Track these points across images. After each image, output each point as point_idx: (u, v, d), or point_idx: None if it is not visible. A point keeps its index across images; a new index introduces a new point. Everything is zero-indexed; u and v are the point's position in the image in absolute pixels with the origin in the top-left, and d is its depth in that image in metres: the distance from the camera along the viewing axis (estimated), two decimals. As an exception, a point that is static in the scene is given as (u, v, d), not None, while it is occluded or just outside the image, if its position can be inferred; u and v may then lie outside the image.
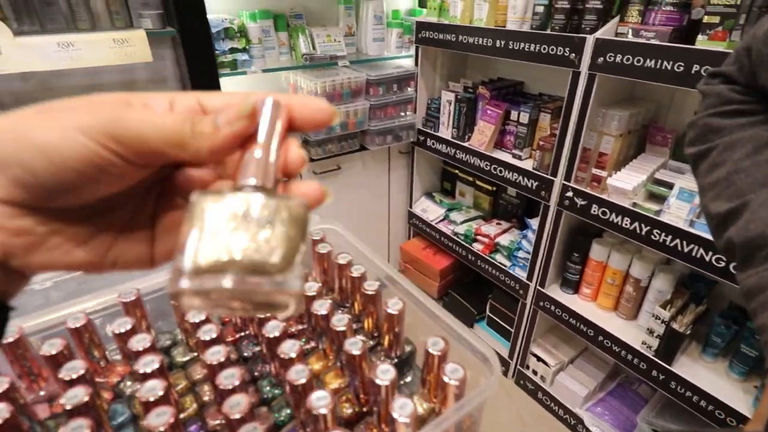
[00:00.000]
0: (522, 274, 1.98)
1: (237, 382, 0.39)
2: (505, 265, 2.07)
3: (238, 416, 0.37)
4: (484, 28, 1.78)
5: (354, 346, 0.43)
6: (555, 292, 1.88)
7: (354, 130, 2.20)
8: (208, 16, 1.79)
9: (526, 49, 1.64)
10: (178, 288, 0.21)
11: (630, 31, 1.42)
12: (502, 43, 1.71)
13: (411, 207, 2.67)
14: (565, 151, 1.61)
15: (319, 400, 0.38)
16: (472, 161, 2.06)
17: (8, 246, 0.25)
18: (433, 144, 2.30)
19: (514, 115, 1.93)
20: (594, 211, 1.57)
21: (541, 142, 1.73)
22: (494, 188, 2.33)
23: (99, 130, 0.24)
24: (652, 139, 1.64)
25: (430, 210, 2.59)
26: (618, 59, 1.39)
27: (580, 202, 1.60)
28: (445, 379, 0.41)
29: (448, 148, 2.20)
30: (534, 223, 1.88)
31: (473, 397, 0.40)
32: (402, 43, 2.42)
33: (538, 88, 2.12)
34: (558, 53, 1.54)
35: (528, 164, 1.86)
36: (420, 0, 2.61)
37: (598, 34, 1.43)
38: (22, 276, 0.26)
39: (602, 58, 1.43)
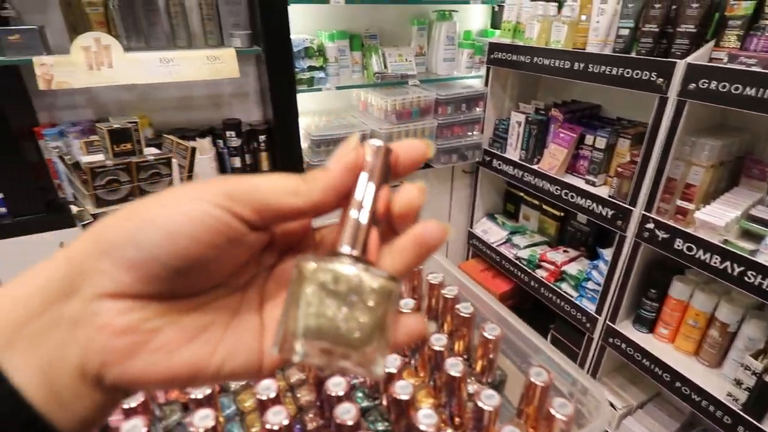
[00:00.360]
0: (590, 307, 1.88)
1: (342, 392, 0.40)
2: (571, 296, 1.98)
3: (350, 423, 0.37)
4: (562, 50, 1.75)
5: (454, 368, 0.42)
6: (627, 329, 1.76)
7: (421, 148, 2.21)
8: (291, 36, 1.89)
9: (607, 73, 1.59)
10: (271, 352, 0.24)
11: (726, 56, 1.34)
12: (581, 65, 1.67)
13: (472, 227, 2.64)
14: (647, 180, 1.53)
15: (426, 418, 0.38)
16: (541, 185, 2.01)
17: (109, 350, 0.22)
18: (500, 165, 2.26)
19: (589, 139, 1.86)
20: (678, 246, 1.47)
21: (620, 169, 1.65)
22: (562, 214, 2.25)
23: (221, 194, 0.23)
24: (747, 172, 1.51)
25: (491, 232, 2.54)
26: (712, 86, 1.31)
27: (661, 234, 1.51)
28: (553, 412, 0.40)
29: (515, 170, 2.16)
30: (607, 253, 1.79)
31: None
32: (472, 63, 2.42)
33: (617, 113, 2.04)
34: (643, 78, 1.48)
35: (603, 191, 1.78)
36: (493, 21, 2.62)
37: (691, 59, 1.36)
38: (110, 398, 0.23)
39: (694, 84, 1.35)
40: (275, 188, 0.24)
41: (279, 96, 1.95)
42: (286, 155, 2.10)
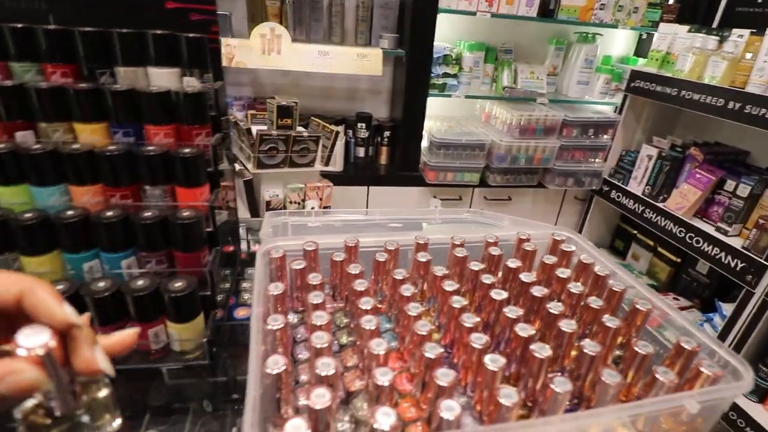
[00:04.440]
0: (695, 358, 1.77)
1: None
2: (674, 343, 1.87)
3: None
4: (718, 87, 1.67)
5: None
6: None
7: (537, 166, 2.24)
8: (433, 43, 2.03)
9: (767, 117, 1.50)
10: None
11: None
12: (737, 105, 1.59)
13: (574, 254, 2.58)
14: None
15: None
16: (663, 224, 1.93)
17: None
18: (618, 197, 2.20)
19: (729, 185, 1.75)
20: (815, 312, 1.35)
21: (762, 221, 1.54)
22: (680, 260, 2.13)
23: None
24: None
25: (594, 262, 2.47)
26: None
27: (797, 297, 1.40)
28: (703, 369, 0.46)
29: (636, 204, 2.09)
30: (726, 308, 1.68)
31: (723, 389, 0.45)
32: (607, 89, 2.38)
33: None
34: (808, 128, 1.38)
35: (735, 242, 1.67)
36: (638, 49, 2.54)
37: None
38: None
39: None
40: None
41: (411, 97, 2.11)
42: (406, 152, 2.25)
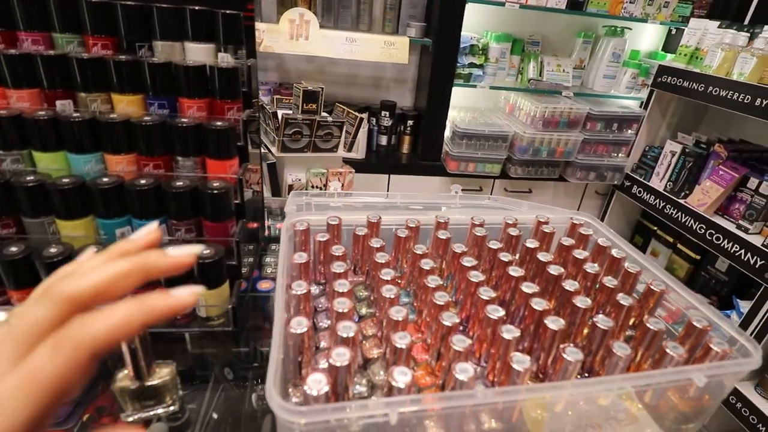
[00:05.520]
0: (711, 358, 1.75)
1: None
2: (691, 342, 1.86)
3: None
4: (746, 84, 1.64)
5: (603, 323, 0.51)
6: (747, 389, 1.62)
7: (559, 159, 2.22)
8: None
9: (795, 115, 1.46)
10: None
11: None
12: (765, 102, 1.55)
13: (591, 250, 2.56)
14: None
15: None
16: (684, 220, 1.90)
17: None
18: (640, 192, 2.18)
19: (753, 183, 1.72)
20: (839, 315, 1.33)
21: (785, 220, 1.52)
22: (699, 257, 2.10)
23: None
24: None
25: (612, 259, 2.45)
26: None
27: (821, 299, 1.37)
28: (712, 345, 0.47)
29: (657, 200, 2.06)
30: (744, 305, 1.66)
31: (730, 364, 0.46)
32: (634, 84, 2.34)
33: (794, 162, 1.84)
34: (842, 127, 1.34)
35: (756, 239, 1.64)
36: (666, 44, 2.48)
37: None
38: None
39: None
40: None
41: (436, 86, 2.11)
42: (428, 141, 2.26)
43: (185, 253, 0.31)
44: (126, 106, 0.66)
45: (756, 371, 1.63)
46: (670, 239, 2.25)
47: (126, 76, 0.65)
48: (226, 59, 0.70)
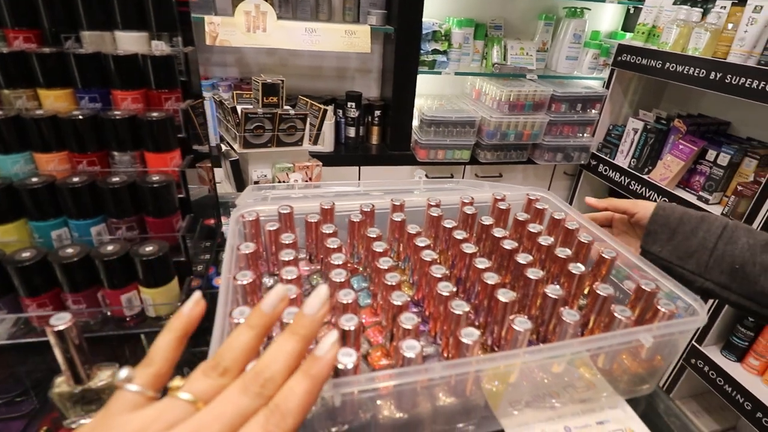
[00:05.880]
0: (681, 327, 1.80)
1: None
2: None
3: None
4: (701, 58, 1.67)
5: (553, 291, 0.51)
6: (714, 353, 1.68)
7: (527, 142, 2.24)
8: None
9: (746, 86, 1.50)
10: None
11: None
12: (718, 75, 1.59)
13: (563, 230, 2.60)
14: (769, 204, 1.44)
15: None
16: (648, 195, 1.94)
17: None
18: (606, 170, 2.21)
19: (710, 155, 1.76)
20: (796, 276, 1.37)
21: (740, 188, 1.56)
22: (666, 230, 2.15)
23: None
24: None
25: (584, 238, 2.49)
26: None
27: (779, 262, 1.42)
28: (659, 306, 0.47)
29: (622, 177, 2.10)
30: (710, 274, 1.70)
31: (676, 323, 0.46)
32: (596, 64, 2.37)
33: (748, 132, 1.89)
34: (789, 94, 1.38)
35: (716, 209, 1.69)
36: (625, 23, 2.52)
37: None
38: None
39: None
40: None
41: (401, 74, 2.09)
42: (397, 131, 2.24)
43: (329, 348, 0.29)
44: (54, 101, 0.63)
45: (721, 335, 1.68)
46: (638, 215, 2.30)
47: (51, 69, 0.61)
48: (160, 47, 0.67)
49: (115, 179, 0.60)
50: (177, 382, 0.28)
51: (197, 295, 0.32)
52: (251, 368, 0.28)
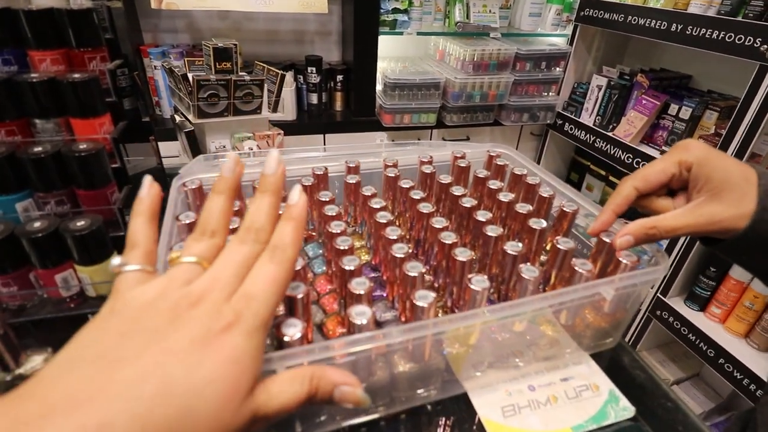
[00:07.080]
0: (643, 279, 1.87)
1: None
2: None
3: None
4: (662, 10, 1.66)
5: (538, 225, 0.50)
6: (678, 304, 1.75)
7: (492, 103, 2.21)
8: (381, -25, 1.91)
9: (707, 36, 1.50)
10: None
11: None
12: (679, 27, 1.59)
13: (531, 191, 2.63)
14: (728, 154, 1.47)
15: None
16: (613, 152, 1.97)
17: None
18: (571, 129, 2.22)
19: (672, 109, 1.79)
20: (749, 224, 1.42)
21: (702, 141, 1.59)
22: (629, 186, 2.19)
23: None
24: None
25: (551, 197, 2.52)
26: (824, 57, 1.22)
27: (734, 211, 1.46)
28: (621, 258, 0.47)
29: (588, 135, 2.11)
30: (670, 227, 1.75)
31: (637, 274, 0.45)
32: (559, 21, 2.33)
33: (709, 85, 1.92)
34: (746, 43, 1.39)
35: (678, 164, 1.72)
36: (588, -22, 2.48)
37: (805, 26, 1.27)
38: None
39: (803, 55, 1.26)
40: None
41: (362, 36, 2.01)
42: (361, 96, 2.17)
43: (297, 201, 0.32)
44: (-42, 64, 0.55)
45: (684, 286, 1.75)
46: (603, 172, 2.34)
47: (-50, 26, 0.54)
48: (79, 1, 0.59)
49: (38, 149, 0.54)
50: (174, 254, 0.29)
51: (148, 178, 0.32)
52: (240, 226, 0.30)
